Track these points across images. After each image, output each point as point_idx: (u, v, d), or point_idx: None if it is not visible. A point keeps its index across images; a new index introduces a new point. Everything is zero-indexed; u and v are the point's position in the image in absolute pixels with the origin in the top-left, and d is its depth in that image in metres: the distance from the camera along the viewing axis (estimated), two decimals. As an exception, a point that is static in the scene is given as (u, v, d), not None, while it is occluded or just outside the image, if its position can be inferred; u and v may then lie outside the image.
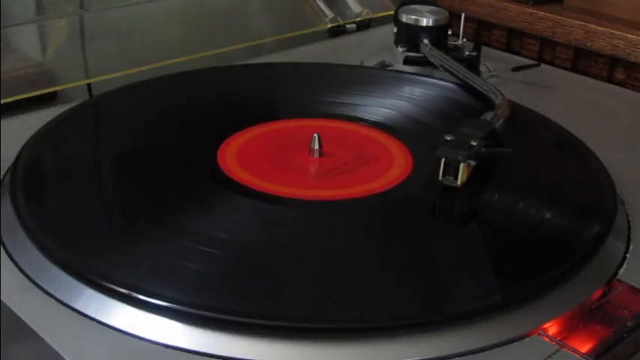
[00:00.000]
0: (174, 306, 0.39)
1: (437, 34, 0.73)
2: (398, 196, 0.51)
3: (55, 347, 0.38)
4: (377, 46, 0.81)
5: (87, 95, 0.74)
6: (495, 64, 0.77)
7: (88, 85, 0.74)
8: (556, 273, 0.43)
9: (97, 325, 0.40)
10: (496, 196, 0.52)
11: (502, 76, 0.75)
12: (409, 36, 0.74)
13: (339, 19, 0.89)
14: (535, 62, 0.79)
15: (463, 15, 0.75)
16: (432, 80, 0.68)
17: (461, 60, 0.71)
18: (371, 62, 0.77)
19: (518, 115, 0.61)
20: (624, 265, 0.46)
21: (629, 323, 0.41)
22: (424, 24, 0.73)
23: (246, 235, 0.46)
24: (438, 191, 0.51)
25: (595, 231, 0.47)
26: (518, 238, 0.47)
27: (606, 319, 0.41)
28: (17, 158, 0.53)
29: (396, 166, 0.55)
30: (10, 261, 0.45)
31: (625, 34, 0.77)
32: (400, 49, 0.74)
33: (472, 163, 0.50)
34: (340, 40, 0.87)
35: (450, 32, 0.75)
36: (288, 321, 0.39)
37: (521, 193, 0.51)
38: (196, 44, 0.79)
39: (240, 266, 0.43)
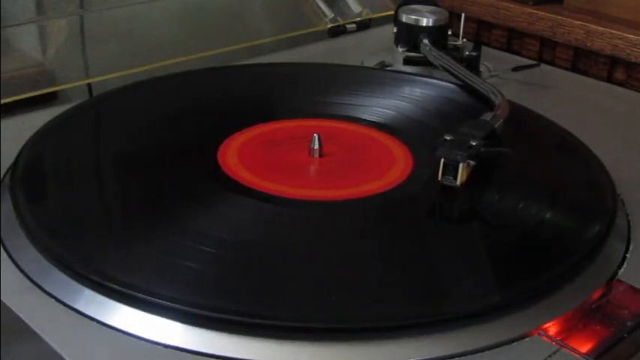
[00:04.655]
0: (174, 306, 0.39)
1: (437, 34, 0.73)
2: (398, 197, 0.51)
3: (55, 347, 0.38)
4: (377, 46, 0.81)
5: (87, 95, 0.74)
6: (495, 64, 0.77)
7: (88, 85, 0.74)
8: (556, 273, 0.43)
9: (97, 325, 0.40)
10: (496, 197, 0.52)
11: (502, 76, 0.75)
12: (409, 36, 0.74)
13: (339, 19, 0.89)
14: (535, 62, 0.79)
15: (463, 15, 0.75)
16: (431, 80, 0.68)
17: (461, 60, 0.71)
18: (371, 62, 0.77)
19: (518, 115, 0.61)
20: (624, 265, 0.46)
21: (629, 323, 0.41)
22: (424, 24, 0.73)
23: (246, 235, 0.46)
24: (437, 191, 0.51)
25: (595, 231, 0.47)
26: (518, 238, 0.47)
27: (606, 319, 0.41)
28: (17, 158, 0.53)
29: (396, 166, 0.55)
30: (10, 261, 0.45)
31: (625, 34, 0.77)
32: (400, 49, 0.74)
33: (472, 163, 0.50)
34: (340, 40, 0.87)
35: (450, 32, 0.75)
36: (287, 321, 0.39)
37: (521, 193, 0.51)
38: (196, 44, 0.79)
39: (239, 266, 0.43)
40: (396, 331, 0.39)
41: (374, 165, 0.55)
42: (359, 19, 0.90)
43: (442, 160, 0.50)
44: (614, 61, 0.80)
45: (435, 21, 0.73)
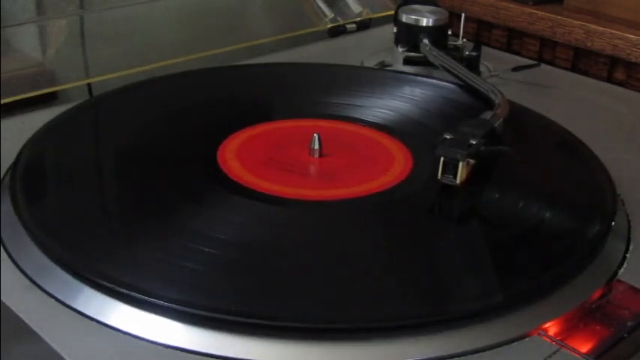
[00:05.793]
0: (174, 306, 0.39)
1: (437, 34, 0.73)
2: (398, 196, 0.51)
3: (55, 347, 0.38)
4: (377, 46, 0.81)
5: (87, 95, 0.74)
6: (495, 64, 0.77)
7: (88, 85, 0.74)
8: (556, 273, 0.43)
9: (97, 325, 0.40)
10: (496, 196, 0.52)
11: (502, 76, 0.75)
12: (409, 36, 0.74)
13: (339, 19, 0.89)
14: (535, 62, 0.79)
15: (463, 15, 0.75)
16: (432, 81, 0.68)
17: (461, 60, 0.71)
18: (371, 62, 0.77)
19: (518, 115, 0.61)
20: (624, 265, 0.46)
21: (629, 323, 0.41)
22: (424, 24, 0.73)
23: (246, 235, 0.46)
24: (437, 190, 0.51)
25: (595, 231, 0.47)
26: (518, 238, 0.47)
27: (606, 319, 0.41)
28: (17, 158, 0.53)
29: (395, 166, 0.55)
30: (10, 261, 0.45)
31: (625, 34, 0.77)
32: (400, 49, 0.74)
33: (471, 161, 0.50)
34: (340, 40, 0.87)
35: (450, 32, 0.75)
36: (288, 321, 0.39)
37: (521, 193, 0.51)
38: (196, 44, 0.79)
39: (239, 266, 0.43)
40: (396, 331, 0.39)
41: (374, 165, 0.55)
42: (359, 19, 0.90)
43: (442, 158, 0.50)
44: (614, 61, 0.80)
45: (435, 21, 0.73)
